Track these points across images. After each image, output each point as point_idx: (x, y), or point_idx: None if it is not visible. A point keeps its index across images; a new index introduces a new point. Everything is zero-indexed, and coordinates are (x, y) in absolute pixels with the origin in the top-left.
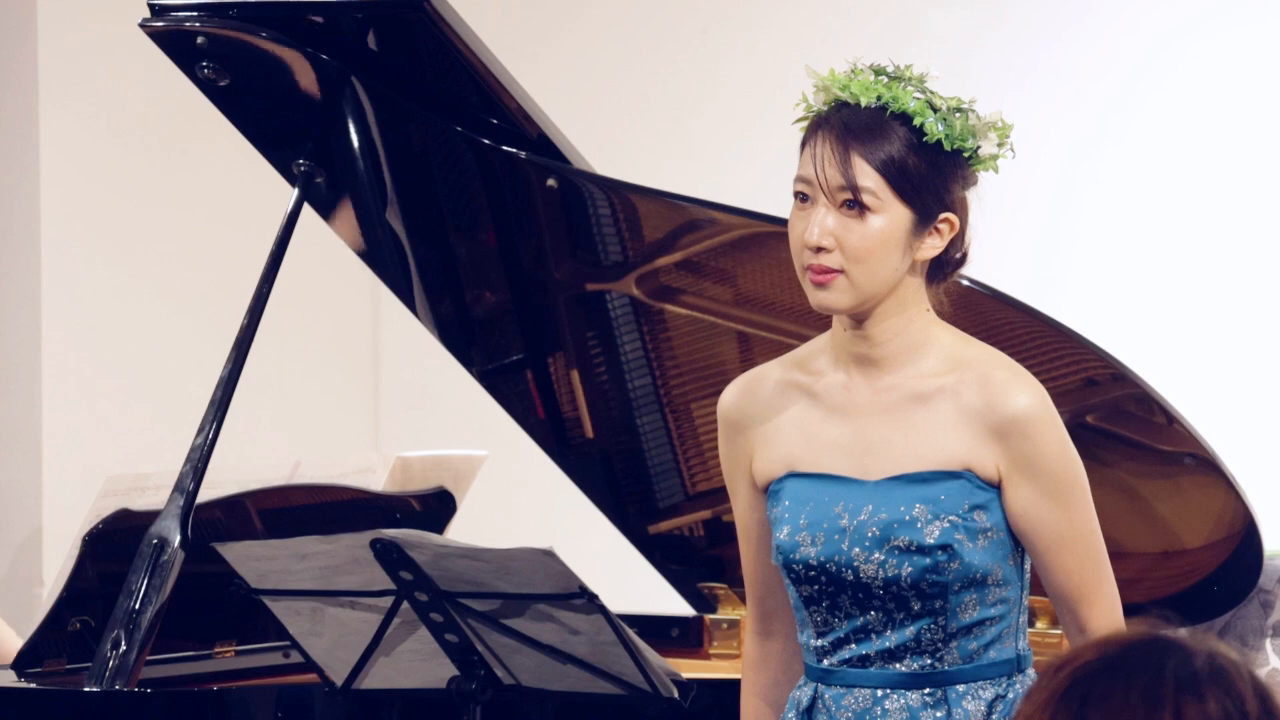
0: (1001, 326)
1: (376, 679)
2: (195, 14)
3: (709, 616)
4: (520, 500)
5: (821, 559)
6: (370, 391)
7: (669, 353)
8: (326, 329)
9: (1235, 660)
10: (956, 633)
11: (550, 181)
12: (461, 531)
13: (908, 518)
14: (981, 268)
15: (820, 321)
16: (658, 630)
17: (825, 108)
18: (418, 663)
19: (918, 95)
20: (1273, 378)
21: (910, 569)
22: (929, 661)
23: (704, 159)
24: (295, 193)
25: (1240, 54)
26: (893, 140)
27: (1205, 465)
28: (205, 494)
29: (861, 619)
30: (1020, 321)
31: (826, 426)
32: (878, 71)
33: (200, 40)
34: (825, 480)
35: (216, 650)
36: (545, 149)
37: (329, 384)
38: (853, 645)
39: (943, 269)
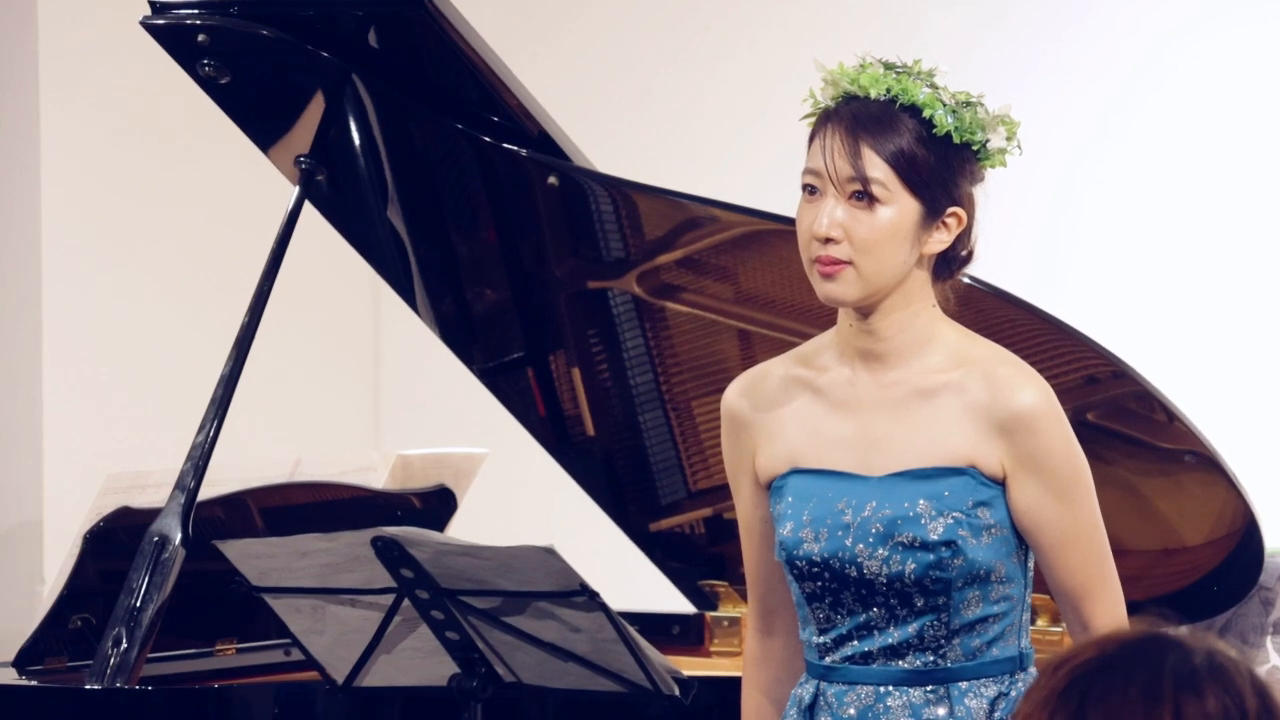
0: (1002, 324)
1: (377, 677)
2: (196, 11)
3: (710, 614)
4: (521, 498)
5: (825, 555)
6: (371, 389)
7: (670, 350)
8: (327, 327)
9: (1234, 658)
10: (959, 629)
11: (551, 179)
12: (462, 529)
13: (912, 514)
14: (983, 266)
15: (820, 318)
16: (658, 628)
17: (833, 102)
18: (419, 660)
19: (927, 88)
20: (1273, 376)
21: (914, 565)
22: (932, 658)
23: (704, 157)
24: (296, 191)
25: (1240, 54)
26: (902, 132)
27: (1206, 463)
28: (206, 492)
29: (864, 615)
30: (1021, 319)
31: (830, 422)
32: (887, 65)
33: (201, 38)
34: (829, 476)
35: (217, 648)
36: (546, 147)
37: (330, 382)
38: (855, 642)
39: (949, 265)
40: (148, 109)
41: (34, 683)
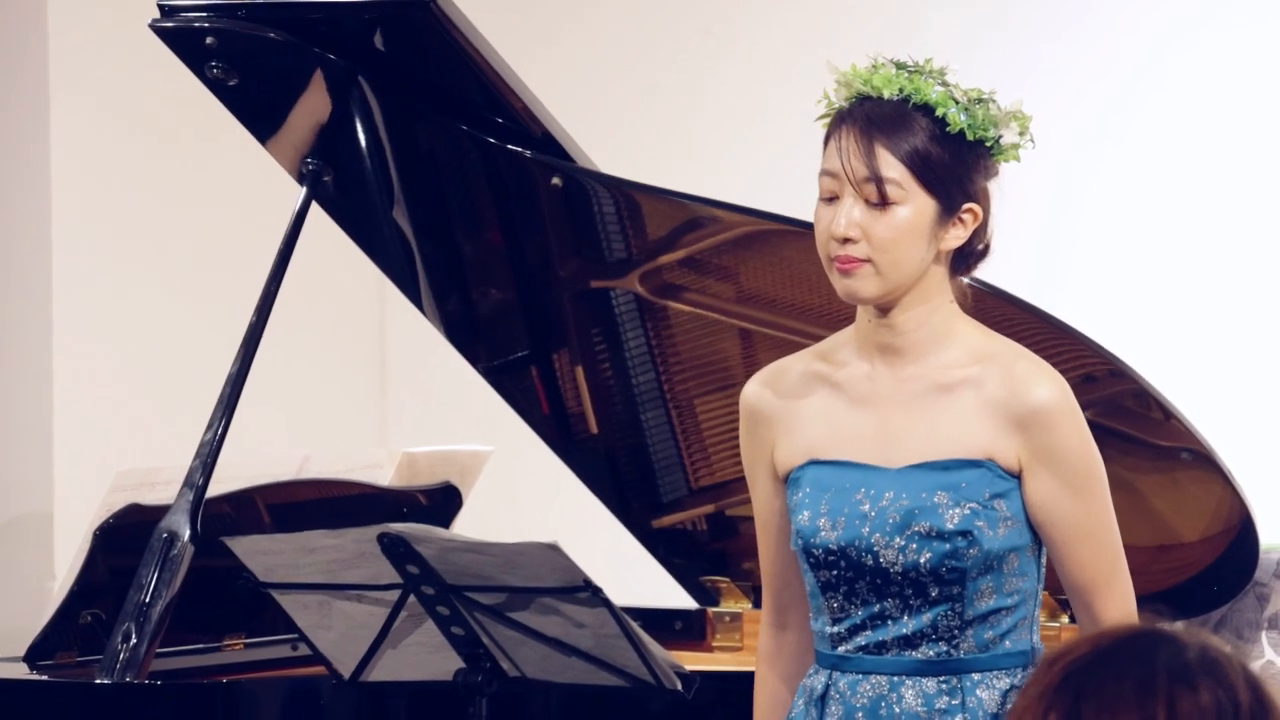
0: (1000, 323)
1: (383, 671)
2: (204, 14)
3: (711, 610)
4: (525, 495)
5: (842, 544)
6: (377, 388)
7: (672, 349)
8: (334, 326)
9: (1227, 652)
10: (973, 620)
11: (555, 180)
12: (467, 526)
13: (929, 504)
14: (982, 265)
15: (821, 317)
16: (661, 623)
17: (847, 103)
18: (424, 655)
19: (939, 87)
20: (1269, 374)
21: (930, 555)
22: (945, 649)
23: (705, 157)
24: (303, 191)
25: (1241, 54)
26: (916, 131)
27: (1202, 460)
28: (214, 489)
29: (878, 605)
30: (1019, 318)
31: (849, 416)
32: (899, 65)
33: (209, 40)
34: (846, 467)
35: (226, 643)
36: (550, 148)
37: (336, 380)
38: (869, 632)
39: (966, 260)
40: (156, 108)
41: (45, 677)
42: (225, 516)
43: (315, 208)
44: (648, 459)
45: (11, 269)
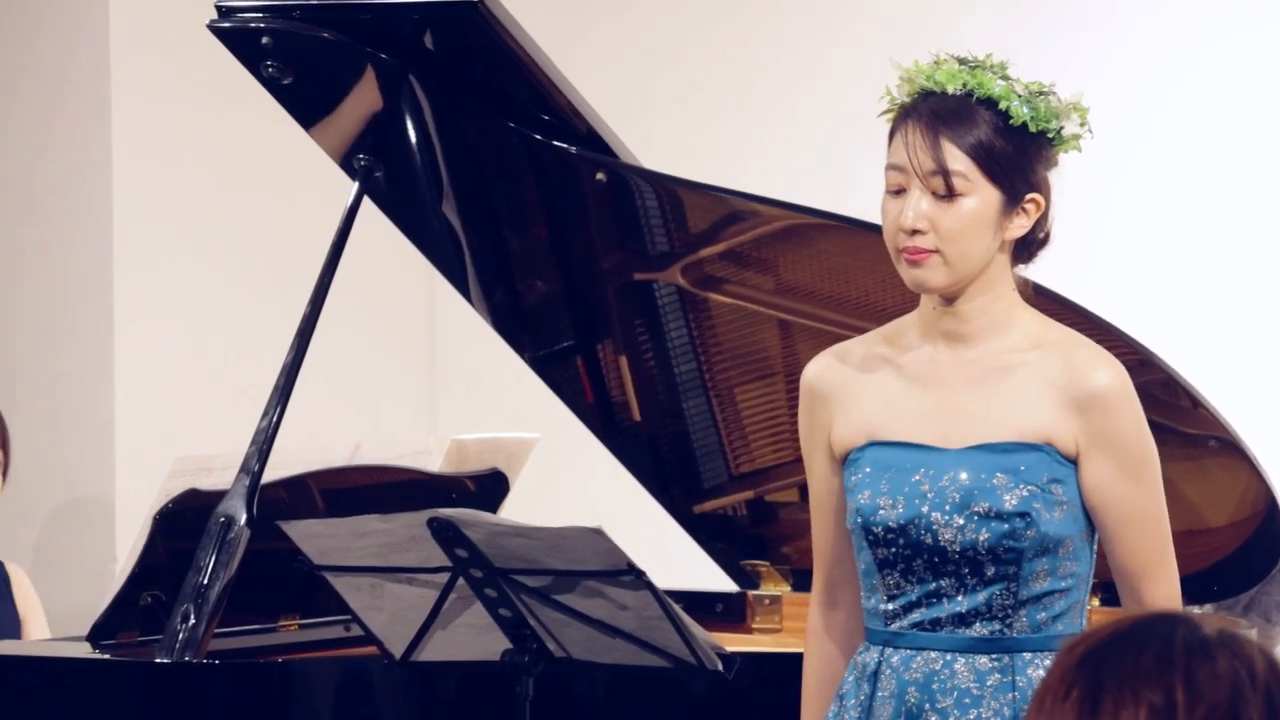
0: None
1: (433, 651)
2: (260, 15)
3: (751, 592)
4: (570, 481)
5: (901, 521)
6: (427, 377)
7: (713, 339)
8: (385, 317)
9: (1245, 632)
10: (1027, 601)
11: (599, 175)
12: (514, 511)
13: (989, 485)
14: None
15: (859, 309)
16: (702, 605)
17: (910, 98)
18: (473, 636)
19: (1001, 81)
20: None
21: (988, 534)
22: (999, 627)
23: (746, 153)
24: (355, 186)
25: (1271, 50)
26: (980, 125)
27: (1229, 447)
28: (270, 474)
29: (934, 583)
30: (1049, 309)
31: (910, 397)
32: (961, 61)
33: (265, 40)
34: (907, 448)
35: (281, 624)
36: (594, 144)
37: (388, 370)
38: (923, 609)
39: (1028, 249)
40: (216, 104)
41: (107, 656)
42: (280, 501)
43: (367, 202)
44: (689, 446)
45: (74, 261)
